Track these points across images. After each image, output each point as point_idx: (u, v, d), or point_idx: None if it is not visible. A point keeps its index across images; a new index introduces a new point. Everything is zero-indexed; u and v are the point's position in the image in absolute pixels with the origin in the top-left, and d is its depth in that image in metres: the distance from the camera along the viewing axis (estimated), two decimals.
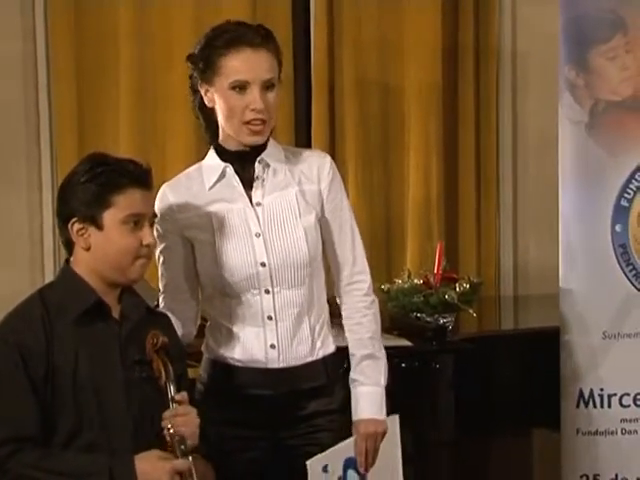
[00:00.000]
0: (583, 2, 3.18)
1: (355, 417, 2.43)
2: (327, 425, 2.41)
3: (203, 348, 2.49)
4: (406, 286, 3.27)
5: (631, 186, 3.20)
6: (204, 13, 3.78)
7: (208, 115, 2.39)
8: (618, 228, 3.21)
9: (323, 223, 2.43)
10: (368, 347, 2.44)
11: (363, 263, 2.47)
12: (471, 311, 3.25)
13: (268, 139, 2.40)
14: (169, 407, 2.11)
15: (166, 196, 2.41)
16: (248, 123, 2.31)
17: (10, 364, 2.09)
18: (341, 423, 2.42)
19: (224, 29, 2.34)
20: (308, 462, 2.30)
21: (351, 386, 2.45)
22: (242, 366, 2.39)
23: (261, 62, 2.31)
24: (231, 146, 2.38)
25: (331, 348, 2.45)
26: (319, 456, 2.33)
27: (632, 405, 3.20)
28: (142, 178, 2.18)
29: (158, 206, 2.39)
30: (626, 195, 3.20)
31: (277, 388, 2.38)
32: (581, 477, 3.24)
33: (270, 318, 2.37)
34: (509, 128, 4.06)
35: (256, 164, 2.38)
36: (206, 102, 2.37)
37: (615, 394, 3.20)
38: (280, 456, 2.42)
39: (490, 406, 3.24)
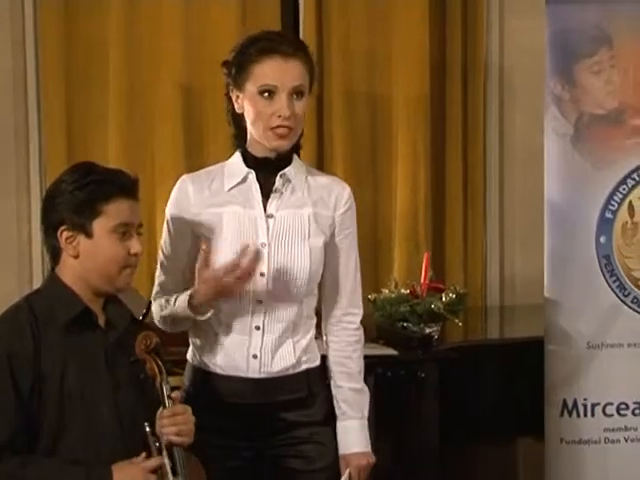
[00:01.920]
0: (569, 17, 3.20)
1: (345, 451, 2.43)
2: (309, 437, 2.40)
3: (188, 355, 2.49)
4: (393, 296, 3.28)
5: (615, 198, 3.22)
6: (193, 23, 3.80)
7: (238, 122, 2.40)
8: (602, 239, 3.22)
9: (330, 251, 2.42)
10: (356, 381, 2.45)
11: (359, 297, 2.49)
12: (457, 321, 3.26)
13: (292, 154, 2.41)
14: (165, 406, 2.13)
15: (185, 186, 2.41)
16: (274, 129, 2.32)
17: None
18: (323, 436, 2.42)
19: (259, 38, 2.36)
20: None
21: (337, 414, 2.44)
22: (223, 374, 2.39)
23: (291, 70, 2.32)
24: (257, 152, 2.38)
25: (316, 362, 2.45)
26: None
27: (615, 414, 3.22)
28: (130, 188, 2.20)
29: (176, 194, 2.40)
30: (610, 207, 3.23)
31: (256, 398, 2.37)
32: None
33: (258, 328, 2.37)
34: (496, 140, 4.08)
35: (277, 177, 2.38)
36: (236, 108, 2.38)
37: (599, 403, 3.21)
38: (262, 466, 2.42)
39: (475, 415, 3.26)
